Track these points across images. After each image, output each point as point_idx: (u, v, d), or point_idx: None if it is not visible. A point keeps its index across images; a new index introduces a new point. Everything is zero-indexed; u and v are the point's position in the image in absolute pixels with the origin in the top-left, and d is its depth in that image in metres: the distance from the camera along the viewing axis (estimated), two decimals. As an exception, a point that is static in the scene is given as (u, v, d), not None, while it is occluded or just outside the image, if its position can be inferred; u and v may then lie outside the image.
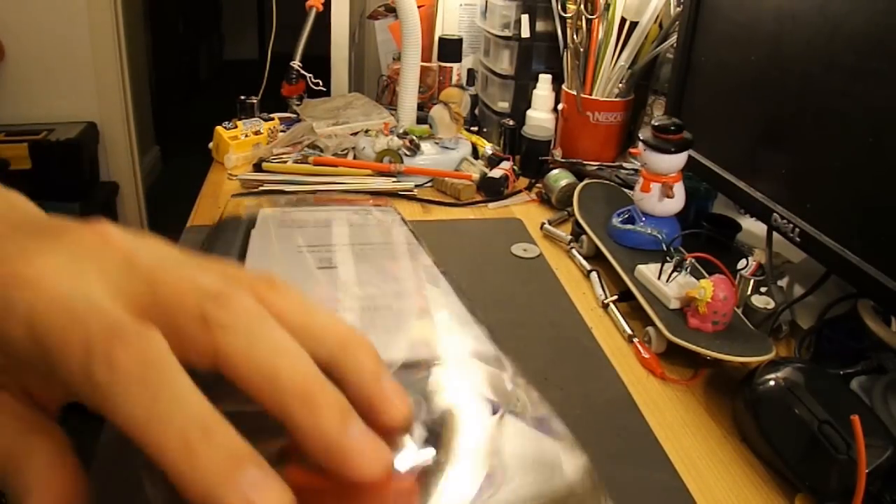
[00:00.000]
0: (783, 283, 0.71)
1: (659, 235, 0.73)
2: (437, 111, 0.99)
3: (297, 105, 1.15)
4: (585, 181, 0.87)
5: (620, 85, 0.98)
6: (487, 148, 1.02)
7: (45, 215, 0.28)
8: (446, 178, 0.95)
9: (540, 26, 1.05)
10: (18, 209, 0.29)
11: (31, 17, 2.27)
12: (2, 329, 0.20)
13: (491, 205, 0.93)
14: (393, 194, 0.93)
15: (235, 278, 0.24)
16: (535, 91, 1.05)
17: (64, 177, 2.23)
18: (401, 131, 1.01)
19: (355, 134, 1.05)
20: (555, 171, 0.93)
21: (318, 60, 1.22)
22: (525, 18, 1.03)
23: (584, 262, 0.77)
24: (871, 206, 0.53)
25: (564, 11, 1.00)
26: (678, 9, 0.91)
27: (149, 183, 2.86)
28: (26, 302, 0.20)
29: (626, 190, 0.86)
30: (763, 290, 0.68)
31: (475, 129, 1.12)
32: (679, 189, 0.72)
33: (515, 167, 0.99)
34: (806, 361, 0.57)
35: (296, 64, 1.12)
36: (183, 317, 0.21)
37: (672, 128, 0.70)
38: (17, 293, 0.20)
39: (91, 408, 0.20)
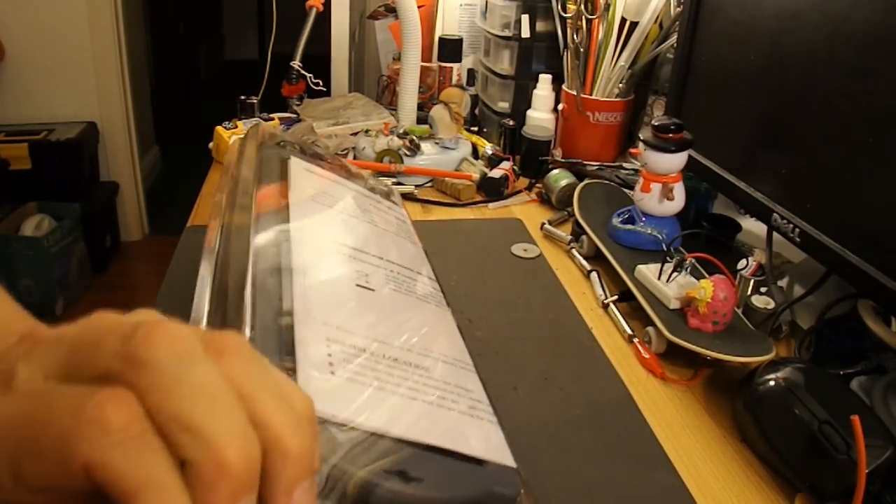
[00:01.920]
0: (783, 283, 0.71)
1: (659, 235, 0.73)
2: (437, 111, 0.99)
3: (297, 105, 1.15)
4: (585, 181, 0.87)
5: (620, 85, 0.98)
6: (487, 148, 1.02)
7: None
8: (446, 178, 0.95)
9: (540, 26, 1.05)
10: None
11: (31, 17, 2.27)
12: None
13: (491, 205, 0.93)
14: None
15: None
16: (535, 91, 1.05)
17: (64, 177, 2.23)
18: (401, 131, 1.01)
19: (355, 134, 1.05)
20: (555, 171, 0.93)
21: (318, 60, 1.22)
22: (525, 18, 1.03)
23: (584, 262, 0.77)
24: (870, 206, 0.53)
25: (564, 11, 1.00)
26: (678, 9, 0.91)
27: (149, 183, 2.86)
28: None
29: (626, 190, 0.86)
30: (763, 290, 0.68)
31: (475, 129, 1.12)
32: (679, 189, 0.72)
33: (515, 167, 0.99)
34: (806, 361, 0.57)
35: (296, 64, 1.12)
36: (104, 359, 0.21)
37: (672, 127, 0.70)
38: None
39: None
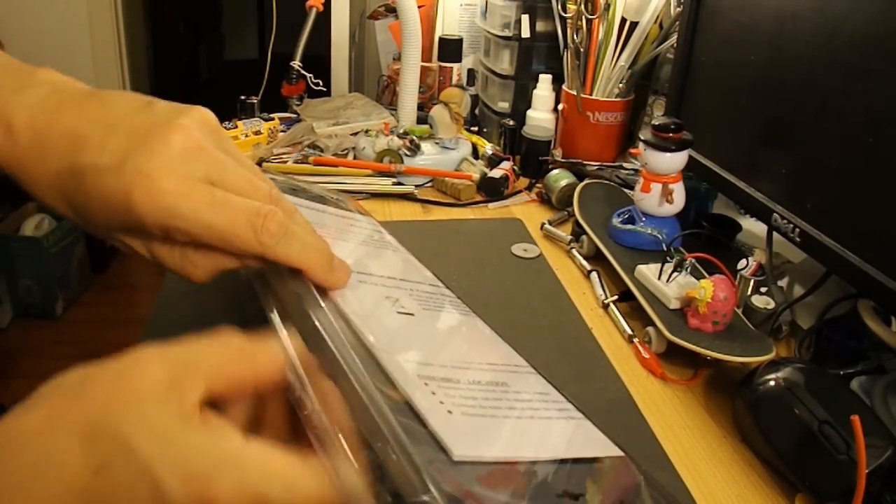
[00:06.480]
0: (783, 283, 0.71)
1: (659, 235, 0.73)
2: (437, 111, 0.99)
3: (298, 105, 1.15)
4: (585, 181, 0.87)
5: (620, 85, 0.98)
6: (487, 148, 1.02)
7: (136, 101, 0.40)
8: (446, 179, 0.95)
9: (540, 26, 1.05)
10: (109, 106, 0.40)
11: (31, 17, 2.27)
12: (181, 227, 0.34)
13: (491, 205, 0.93)
14: (393, 195, 0.93)
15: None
16: (535, 91, 1.05)
17: (64, 177, 2.23)
18: (401, 131, 1.01)
19: (355, 134, 1.05)
20: (555, 171, 0.93)
21: (318, 60, 1.22)
22: (525, 18, 1.03)
23: (584, 262, 0.77)
24: (871, 206, 0.53)
25: (564, 11, 1.00)
26: (678, 9, 0.91)
27: (149, 183, 2.86)
28: (191, 210, 0.34)
29: (626, 190, 0.86)
30: (763, 290, 0.68)
31: (475, 129, 1.12)
32: (679, 189, 0.72)
33: (515, 167, 0.99)
34: (806, 361, 0.57)
35: (296, 64, 1.12)
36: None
37: (672, 126, 0.70)
38: (182, 202, 0.34)
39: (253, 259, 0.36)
